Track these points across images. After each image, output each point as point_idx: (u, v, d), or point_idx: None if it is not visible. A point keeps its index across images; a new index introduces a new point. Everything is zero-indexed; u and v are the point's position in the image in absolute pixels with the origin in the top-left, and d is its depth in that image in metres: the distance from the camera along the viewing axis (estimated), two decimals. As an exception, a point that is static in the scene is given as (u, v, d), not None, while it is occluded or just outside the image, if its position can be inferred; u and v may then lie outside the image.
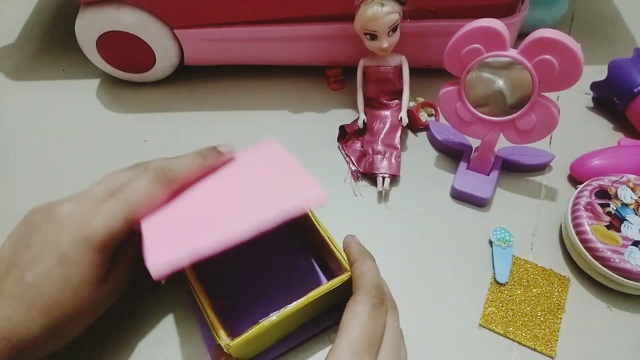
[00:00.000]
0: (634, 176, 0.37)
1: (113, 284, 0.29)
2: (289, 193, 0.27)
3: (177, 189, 0.29)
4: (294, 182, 0.28)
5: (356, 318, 0.25)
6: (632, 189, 0.36)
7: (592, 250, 0.34)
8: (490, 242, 0.37)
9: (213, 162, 0.31)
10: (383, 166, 0.40)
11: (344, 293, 0.28)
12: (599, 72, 0.46)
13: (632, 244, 0.33)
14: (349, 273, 0.29)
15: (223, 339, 0.26)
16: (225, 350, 0.26)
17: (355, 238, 0.31)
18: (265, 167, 0.31)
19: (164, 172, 0.29)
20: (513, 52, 0.33)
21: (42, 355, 0.27)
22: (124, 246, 0.29)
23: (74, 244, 0.26)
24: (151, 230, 0.27)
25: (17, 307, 0.25)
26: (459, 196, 0.40)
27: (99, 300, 0.28)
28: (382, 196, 0.41)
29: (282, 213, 0.25)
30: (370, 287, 0.26)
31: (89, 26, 0.43)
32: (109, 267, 0.28)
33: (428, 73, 0.45)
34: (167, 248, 0.25)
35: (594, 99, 0.48)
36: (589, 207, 0.36)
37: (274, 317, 0.27)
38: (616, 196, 0.36)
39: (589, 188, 0.37)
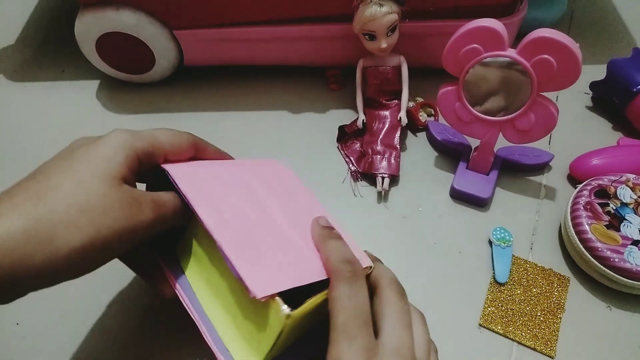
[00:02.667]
0: (634, 175, 0.37)
1: (153, 212, 0.25)
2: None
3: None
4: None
5: (337, 304, 0.24)
6: (631, 188, 0.36)
7: (591, 250, 0.34)
8: (490, 242, 0.37)
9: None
10: (382, 166, 0.40)
11: None
12: (598, 72, 0.46)
13: (631, 244, 0.33)
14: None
15: (283, 309, 0.23)
16: (283, 321, 0.23)
17: (321, 220, 0.28)
18: (295, 194, 0.32)
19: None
20: (512, 52, 0.33)
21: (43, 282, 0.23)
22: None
23: (107, 149, 0.24)
24: (226, 239, 0.25)
25: (26, 221, 0.21)
26: (458, 196, 0.40)
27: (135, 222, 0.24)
28: (382, 196, 0.41)
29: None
30: (337, 266, 0.25)
31: (89, 27, 0.43)
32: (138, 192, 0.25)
33: (427, 73, 0.45)
34: (266, 272, 0.24)
35: (593, 98, 0.48)
36: (588, 207, 0.36)
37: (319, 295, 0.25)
38: (615, 196, 0.36)
39: (589, 187, 0.37)
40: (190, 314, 0.27)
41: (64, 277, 0.23)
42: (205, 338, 0.26)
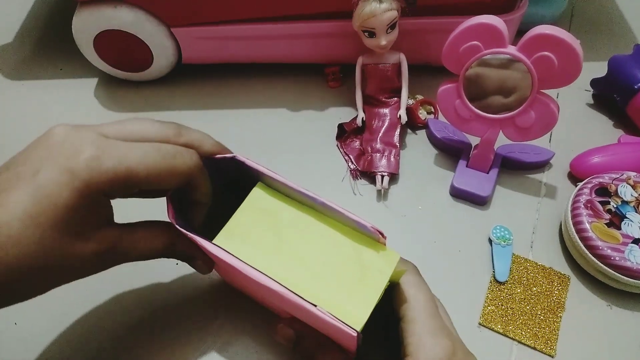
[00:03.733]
0: (634, 173, 0.37)
1: (98, 244, 0.23)
2: None
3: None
4: None
5: (414, 286, 0.26)
6: (632, 186, 0.36)
7: (592, 248, 0.34)
8: (490, 241, 0.37)
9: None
10: (382, 164, 0.40)
11: None
12: (599, 69, 0.45)
13: (632, 242, 0.33)
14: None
15: (392, 248, 0.24)
16: (396, 258, 0.24)
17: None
18: None
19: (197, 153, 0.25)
20: (512, 49, 0.33)
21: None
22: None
23: (55, 173, 0.21)
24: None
25: None
26: (458, 194, 0.40)
27: (69, 257, 0.22)
28: (381, 195, 0.40)
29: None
30: (405, 262, 0.27)
31: (86, 25, 0.43)
32: (93, 220, 0.23)
33: (427, 70, 0.45)
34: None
35: (594, 95, 0.47)
36: (589, 205, 0.35)
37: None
38: (616, 194, 0.36)
39: (589, 186, 0.37)
40: (260, 283, 0.23)
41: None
42: (296, 301, 0.23)
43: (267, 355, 0.32)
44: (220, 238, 0.26)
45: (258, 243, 0.25)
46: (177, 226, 0.25)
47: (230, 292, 0.35)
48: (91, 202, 0.22)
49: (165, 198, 0.27)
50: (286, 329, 0.27)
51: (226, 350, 0.32)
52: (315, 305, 0.22)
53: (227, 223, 0.26)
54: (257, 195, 0.27)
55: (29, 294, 0.23)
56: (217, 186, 0.28)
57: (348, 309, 0.23)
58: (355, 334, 0.22)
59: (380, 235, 0.24)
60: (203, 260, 0.28)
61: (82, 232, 0.23)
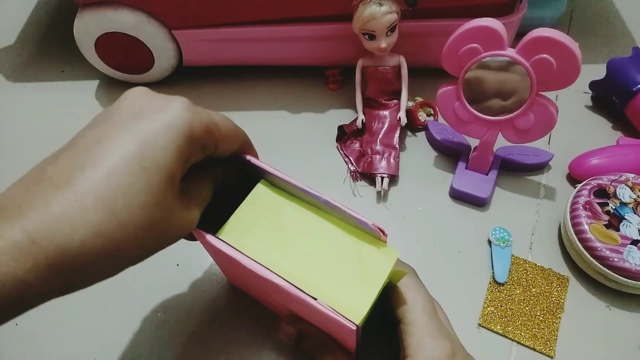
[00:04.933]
0: (633, 175, 0.37)
1: (191, 199, 0.22)
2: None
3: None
4: None
5: (413, 288, 0.26)
6: (630, 188, 0.36)
7: (591, 250, 0.34)
8: (489, 242, 0.37)
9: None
10: (382, 166, 0.40)
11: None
12: (598, 71, 0.46)
13: (631, 243, 0.33)
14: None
15: (392, 246, 0.24)
16: (396, 255, 0.25)
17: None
18: None
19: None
20: (511, 52, 0.33)
21: (81, 283, 0.19)
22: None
23: (155, 119, 0.20)
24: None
25: (68, 205, 0.18)
26: (457, 196, 0.40)
27: (173, 220, 0.21)
28: (381, 196, 0.40)
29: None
30: (403, 265, 0.28)
31: (88, 27, 0.43)
32: (196, 185, 0.23)
33: (426, 73, 0.45)
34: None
35: (592, 98, 0.48)
36: (587, 206, 0.36)
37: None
38: (615, 195, 0.36)
39: (588, 187, 0.37)
40: (260, 275, 0.23)
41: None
42: (297, 294, 0.23)
43: (269, 354, 0.32)
44: (223, 232, 0.26)
45: (260, 238, 0.26)
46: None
47: (232, 292, 0.35)
48: (192, 154, 0.21)
49: None
50: (288, 327, 0.27)
51: (226, 351, 0.32)
52: (316, 299, 0.23)
53: (230, 218, 0.26)
54: (260, 192, 0.27)
55: (123, 264, 0.20)
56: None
57: (348, 303, 0.23)
58: (354, 328, 0.22)
59: (380, 233, 0.24)
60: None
61: (186, 193, 0.22)
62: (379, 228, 0.24)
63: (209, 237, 0.25)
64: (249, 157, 0.27)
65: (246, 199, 0.27)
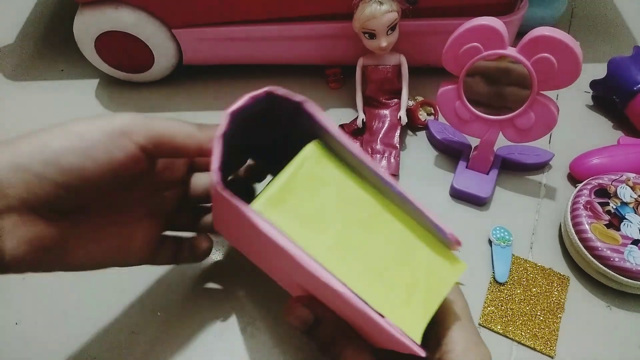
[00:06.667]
0: (634, 175, 0.37)
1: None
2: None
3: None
4: None
5: (452, 290, 0.25)
6: (631, 187, 0.36)
7: (591, 249, 0.34)
8: (490, 242, 0.37)
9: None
10: (382, 165, 0.40)
11: None
12: (599, 70, 0.46)
13: (631, 243, 0.33)
14: None
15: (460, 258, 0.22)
16: (463, 268, 0.23)
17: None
18: None
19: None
20: (512, 51, 0.33)
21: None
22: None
23: (98, 127, 0.24)
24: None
25: (30, 165, 0.22)
26: (458, 195, 0.40)
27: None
28: (381, 195, 0.40)
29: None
30: None
31: (87, 26, 0.43)
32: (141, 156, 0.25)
33: (427, 72, 0.45)
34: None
35: (593, 97, 0.47)
36: (588, 206, 0.35)
37: None
38: (616, 195, 0.36)
39: (589, 187, 0.37)
40: (312, 272, 0.19)
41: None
42: (351, 302, 0.19)
43: (269, 353, 0.32)
44: (261, 204, 0.21)
45: (306, 219, 0.21)
46: (218, 183, 0.20)
47: (233, 292, 0.35)
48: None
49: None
50: (302, 309, 0.23)
51: (227, 351, 0.32)
52: (383, 316, 0.19)
53: (269, 185, 0.21)
54: (311, 155, 0.21)
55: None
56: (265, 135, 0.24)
57: (405, 316, 0.20)
58: (417, 350, 0.19)
59: (456, 244, 0.22)
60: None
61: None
62: (456, 239, 0.21)
63: (243, 208, 0.19)
64: (313, 110, 0.21)
65: (292, 161, 0.21)
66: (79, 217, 0.25)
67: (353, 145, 0.21)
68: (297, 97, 0.22)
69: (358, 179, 0.22)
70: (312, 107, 0.22)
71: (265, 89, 0.22)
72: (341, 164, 0.22)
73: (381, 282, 0.21)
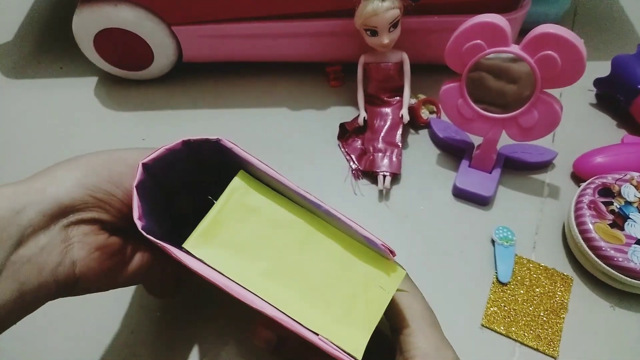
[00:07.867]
0: (638, 174, 0.37)
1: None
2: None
3: None
4: None
5: (408, 294, 0.25)
6: (635, 186, 0.36)
7: (595, 249, 0.33)
8: (493, 241, 0.37)
9: None
10: (384, 164, 0.40)
11: None
12: (603, 69, 0.45)
13: (635, 243, 0.33)
14: None
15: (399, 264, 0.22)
16: (403, 274, 0.23)
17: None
18: None
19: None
20: (515, 48, 0.33)
21: None
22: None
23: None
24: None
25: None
26: (460, 194, 0.40)
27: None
28: (383, 195, 0.40)
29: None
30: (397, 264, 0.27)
31: (86, 23, 0.43)
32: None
33: (429, 69, 0.45)
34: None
35: (597, 95, 0.47)
36: (592, 206, 0.35)
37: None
38: (619, 194, 0.36)
39: (592, 186, 0.36)
40: (250, 305, 0.21)
41: None
42: (295, 328, 0.20)
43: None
44: (192, 242, 0.22)
45: (240, 248, 0.21)
46: (142, 230, 0.22)
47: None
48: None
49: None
50: (266, 332, 0.25)
51: (227, 350, 0.32)
52: (317, 334, 0.20)
53: (201, 222, 0.22)
54: (239, 187, 0.22)
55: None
56: (192, 178, 0.25)
57: (345, 332, 0.20)
58: None
59: (390, 254, 0.22)
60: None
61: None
62: (388, 249, 0.22)
63: (175, 252, 0.21)
64: (230, 145, 0.22)
65: (221, 196, 0.22)
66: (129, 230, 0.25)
67: (273, 171, 0.22)
68: (213, 137, 0.23)
69: (287, 202, 0.23)
70: (229, 143, 0.23)
71: (181, 139, 0.23)
72: (269, 190, 0.23)
73: (318, 301, 0.21)
